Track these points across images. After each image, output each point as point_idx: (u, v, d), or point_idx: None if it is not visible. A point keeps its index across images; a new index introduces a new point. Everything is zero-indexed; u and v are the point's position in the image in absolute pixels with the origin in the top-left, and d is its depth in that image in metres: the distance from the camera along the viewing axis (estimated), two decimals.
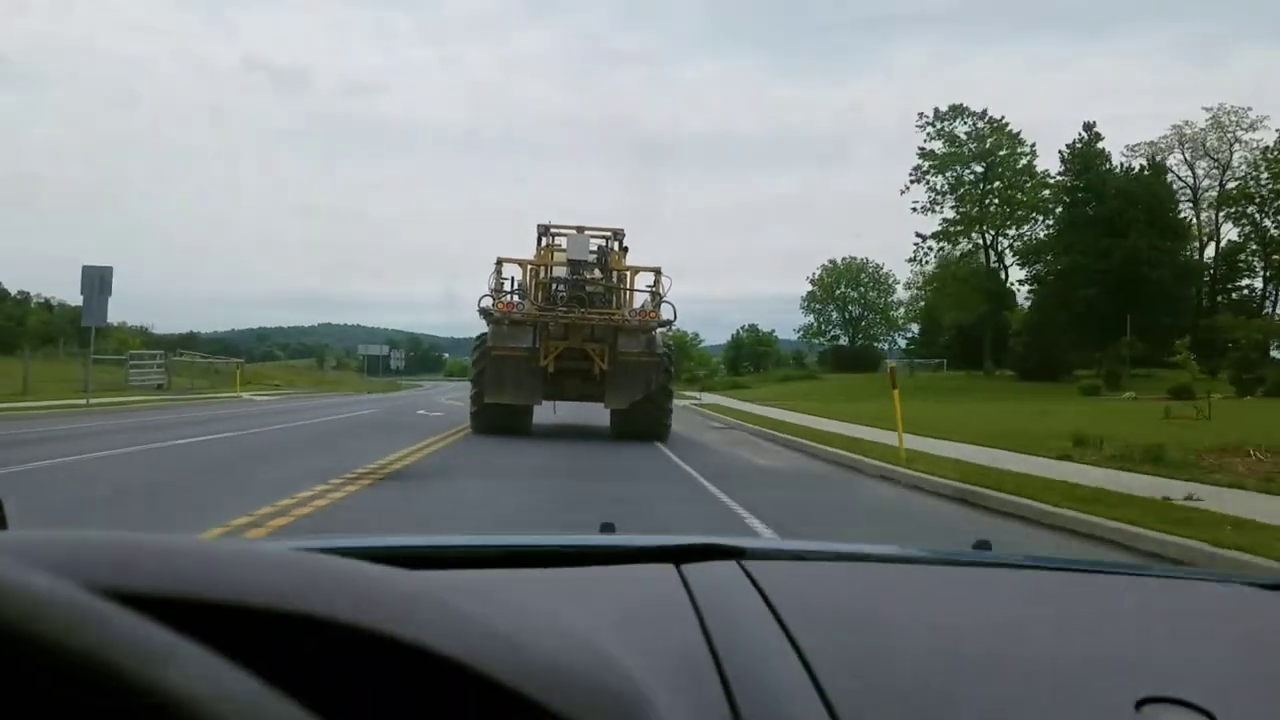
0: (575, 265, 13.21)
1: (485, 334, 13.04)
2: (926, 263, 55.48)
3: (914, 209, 53.64)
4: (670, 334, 49.12)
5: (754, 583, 0.79)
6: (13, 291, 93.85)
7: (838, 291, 67.67)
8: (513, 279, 13.50)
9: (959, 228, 53.55)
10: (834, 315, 69.56)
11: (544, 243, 13.73)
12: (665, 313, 13.12)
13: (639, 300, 13.50)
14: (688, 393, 33.75)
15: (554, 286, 13.17)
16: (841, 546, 1.12)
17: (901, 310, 66.98)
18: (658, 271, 13.33)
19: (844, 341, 68.29)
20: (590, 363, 13.09)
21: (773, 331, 75.08)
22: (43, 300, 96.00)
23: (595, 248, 13.48)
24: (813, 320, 69.44)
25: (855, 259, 67.92)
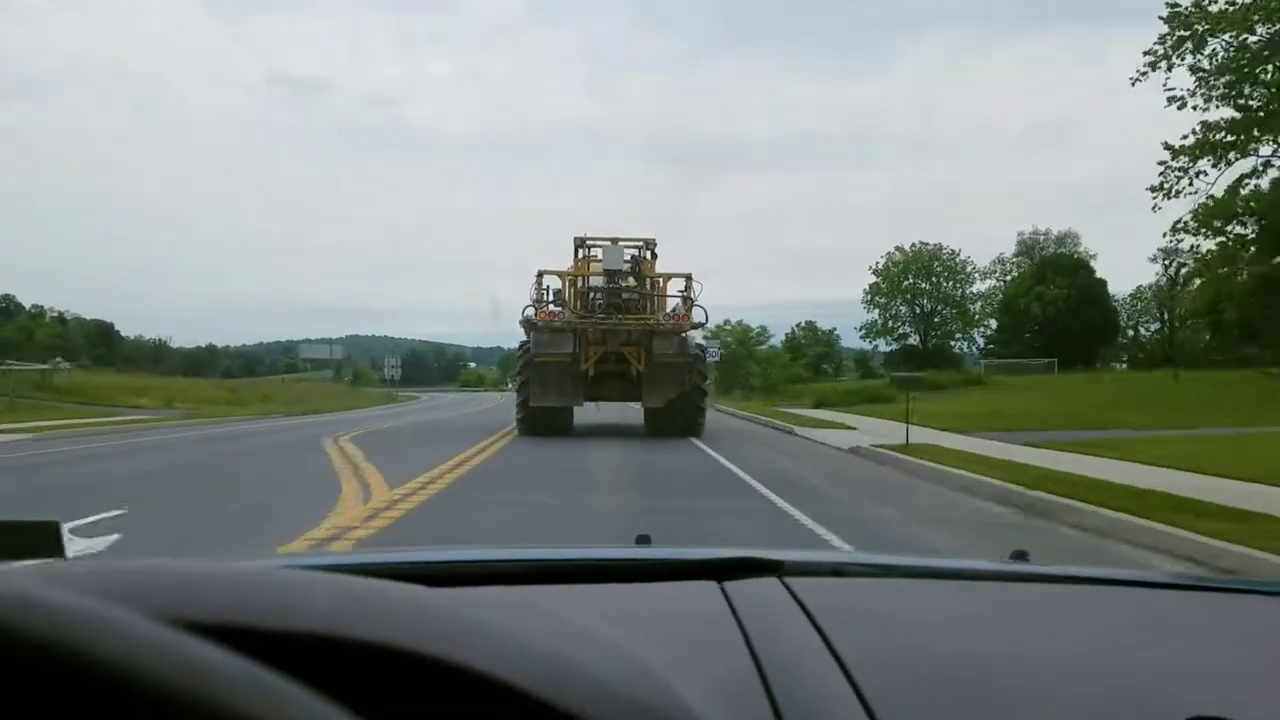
0: (611, 274, 16.27)
1: (528, 342, 16.17)
2: (1187, 192, 26.12)
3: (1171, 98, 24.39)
4: (732, 327, 44.03)
5: (797, 600, 0.88)
6: (27, 305, 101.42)
7: (905, 282, 65.11)
8: (550, 289, 16.61)
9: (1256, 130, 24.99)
10: (901, 310, 66.10)
11: (580, 254, 16.81)
12: (697, 316, 16.15)
13: (670, 304, 16.51)
14: (753, 412, 25.78)
15: (592, 295, 16.25)
16: (880, 559, 1.24)
17: (979, 304, 63.73)
18: (688, 277, 16.34)
19: (913, 340, 65.58)
20: (627, 365, 16.11)
21: (834, 331, 69.25)
22: (56, 314, 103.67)
23: (629, 257, 16.55)
24: (877, 317, 66.18)
25: (926, 244, 64.70)
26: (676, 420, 16.15)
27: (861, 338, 67.30)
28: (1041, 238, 68.00)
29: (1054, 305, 55.97)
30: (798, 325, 71.12)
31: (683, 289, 16.37)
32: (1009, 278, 63.57)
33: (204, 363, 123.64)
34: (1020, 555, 1.31)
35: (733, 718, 0.60)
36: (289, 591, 0.47)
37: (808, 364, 64.83)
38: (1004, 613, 0.96)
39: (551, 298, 16.50)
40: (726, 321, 46.84)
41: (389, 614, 0.47)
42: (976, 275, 63.79)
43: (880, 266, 65.27)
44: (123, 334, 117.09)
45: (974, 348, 65.06)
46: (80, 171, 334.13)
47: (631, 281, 16.47)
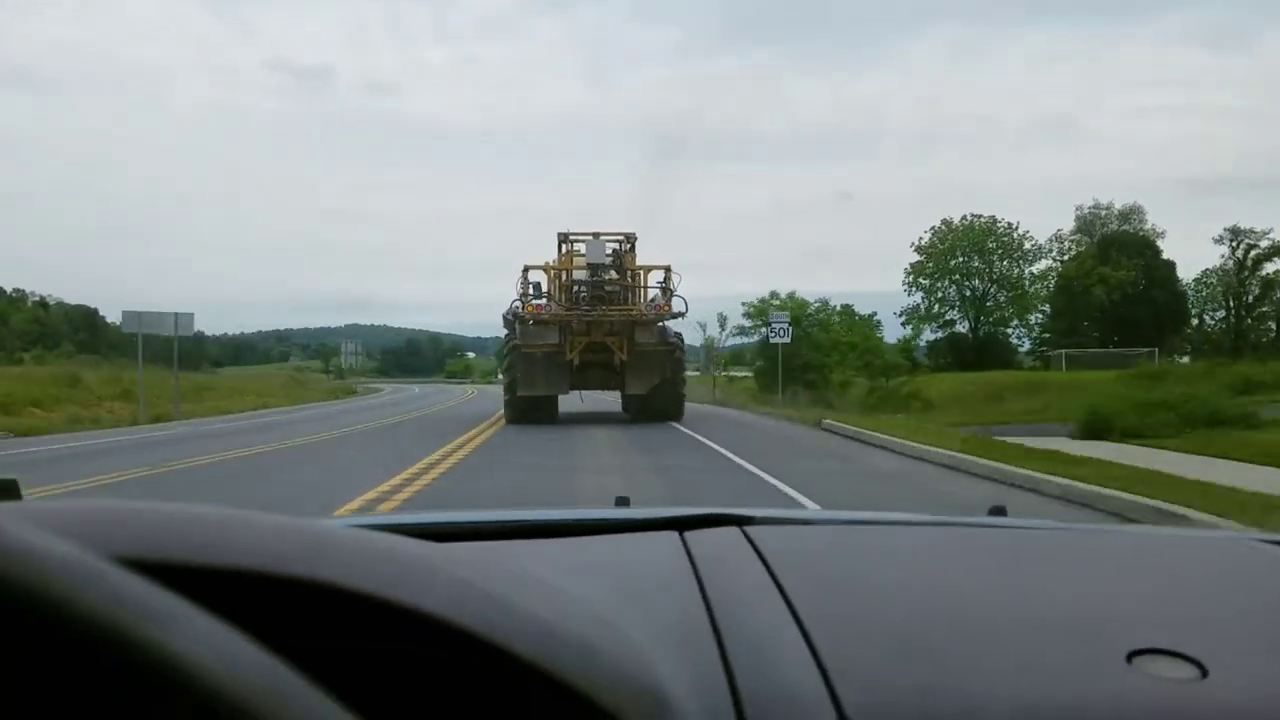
0: (593, 268, 19.10)
1: (514, 334, 19.07)
2: None
3: None
4: (782, 301, 38.58)
5: (755, 548, 0.96)
6: (8, 290, 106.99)
7: (954, 261, 61.23)
8: (538, 285, 19.47)
9: None
10: (951, 293, 62.24)
11: (564, 249, 19.66)
12: (676, 305, 18.96)
13: (651, 295, 19.30)
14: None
15: (575, 288, 19.09)
16: (850, 514, 1.34)
17: (1036, 286, 59.80)
18: (668, 269, 19.13)
19: (962, 329, 61.95)
20: (610, 354, 18.94)
21: (874, 315, 63.96)
22: (39, 298, 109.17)
23: (611, 250, 19.36)
24: (920, 301, 62.19)
25: (979, 217, 59.95)
26: (658, 406, 18.95)
27: (903, 324, 62.10)
28: (1103, 213, 66.18)
29: (1120, 289, 54.52)
30: (834, 310, 67.90)
31: (662, 280, 19.17)
32: (1066, 257, 61.41)
33: (192, 351, 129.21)
34: (998, 510, 1.44)
35: (679, 659, 0.67)
36: (233, 531, 0.53)
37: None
38: (960, 556, 1.05)
39: (536, 291, 19.39)
40: (774, 295, 39.36)
41: (323, 552, 0.53)
42: (1034, 254, 60.64)
43: (925, 243, 61.17)
44: (108, 320, 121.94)
45: (1032, 336, 61.83)
46: (73, 158, 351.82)
47: (613, 274, 19.28)
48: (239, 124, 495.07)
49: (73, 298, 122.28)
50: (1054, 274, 59.85)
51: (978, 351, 56.83)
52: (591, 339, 18.90)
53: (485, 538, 1.07)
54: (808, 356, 34.01)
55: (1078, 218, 66.17)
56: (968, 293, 62.93)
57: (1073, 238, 64.55)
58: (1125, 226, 64.67)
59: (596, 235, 19.45)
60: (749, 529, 1.06)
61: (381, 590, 0.51)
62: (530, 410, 18.65)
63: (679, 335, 19.93)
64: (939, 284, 62.99)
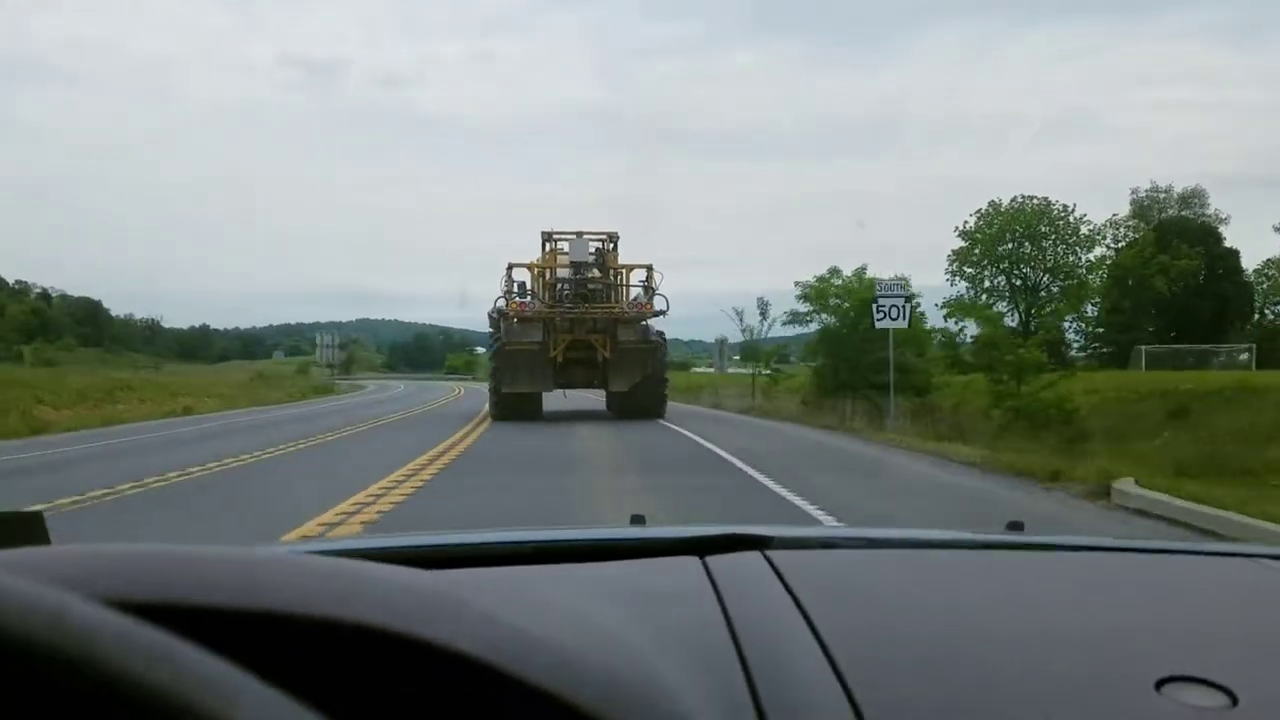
0: (577, 266, 20.62)
1: (499, 332, 20.66)
2: None
3: None
4: (846, 282, 28.47)
5: (778, 573, 1.00)
6: (10, 281, 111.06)
7: (1004, 246, 57.12)
8: (522, 284, 21.02)
9: None
10: (1000, 282, 57.72)
11: (548, 247, 21.18)
12: (658, 304, 20.44)
13: (633, 294, 20.79)
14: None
15: (559, 286, 20.61)
16: (871, 533, 1.41)
17: (1093, 276, 55.28)
18: (649, 268, 20.61)
19: (1011, 321, 54.54)
20: (594, 352, 20.44)
21: (915, 303, 55.83)
22: (40, 291, 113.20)
23: (594, 249, 20.87)
24: (964, 290, 56.69)
25: (1031, 199, 55.74)
26: (640, 403, 20.44)
27: (945, 317, 55.97)
28: (1161, 197, 64.73)
29: (1182, 279, 52.62)
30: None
31: (644, 279, 20.66)
32: (1121, 244, 58.85)
33: (197, 344, 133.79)
34: (1016, 526, 1.51)
35: (705, 688, 0.69)
36: (252, 571, 0.55)
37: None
38: (986, 579, 1.10)
39: (520, 290, 20.95)
40: (834, 272, 30.36)
41: (353, 591, 0.55)
42: (1090, 240, 56.46)
43: (969, 227, 56.81)
44: (112, 313, 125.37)
45: (1089, 330, 58.63)
46: (85, 151, 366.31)
47: (596, 273, 20.81)
48: (251, 117, 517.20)
49: (79, 291, 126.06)
50: (1107, 263, 57.25)
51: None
52: (575, 336, 20.40)
53: (497, 561, 1.12)
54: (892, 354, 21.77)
55: (1133, 202, 64.35)
56: (1018, 282, 59.00)
57: (1129, 223, 62.28)
58: (1185, 212, 63.42)
59: (580, 234, 20.98)
60: (770, 553, 1.09)
61: (413, 629, 0.53)
62: (515, 407, 20.15)
63: (660, 334, 21.38)
64: (985, 272, 58.89)
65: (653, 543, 1.25)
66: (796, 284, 30.79)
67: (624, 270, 21.01)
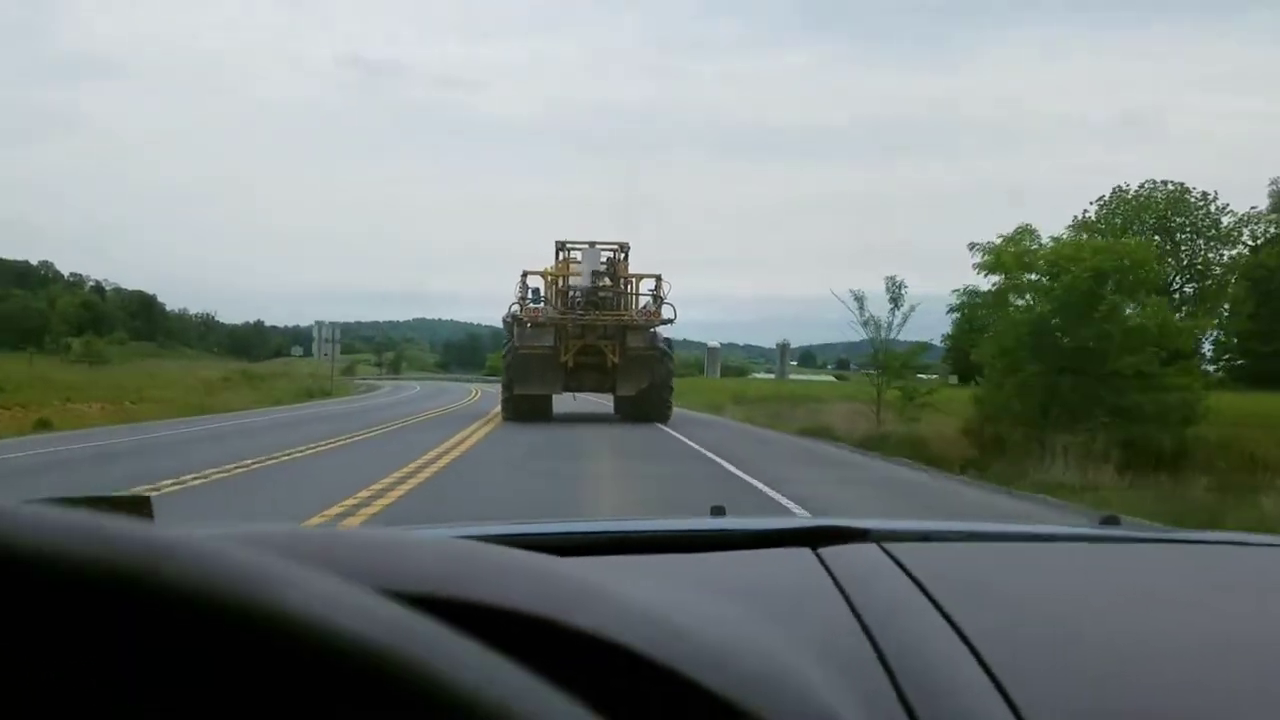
0: (589, 275, 21.69)
1: (512, 336, 21.76)
2: None
3: None
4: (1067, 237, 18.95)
5: (901, 565, 0.97)
6: (65, 273, 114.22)
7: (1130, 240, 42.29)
8: (536, 290, 22.11)
9: None
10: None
11: (561, 256, 22.31)
12: (666, 313, 21.42)
13: (642, 302, 21.80)
14: None
15: (571, 293, 21.69)
16: (973, 526, 1.38)
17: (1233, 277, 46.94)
18: (658, 278, 21.65)
19: None
20: (603, 357, 21.47)
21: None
22: (94, 283, 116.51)
23: (605, 259, 21.94)
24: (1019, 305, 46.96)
25: (1165, 184, 47.03)
26: (646, 407, 21.42)
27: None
28: None
29: None
30: (965, 292, 45.42)
31: (653, 288, 21.73)
32: (1259, 242, 49.26)
33: (251, 340, 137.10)
34: (1111, 520, 1.49)
35: (846, 687, 0.66)
36: (398, 553, 0.57)
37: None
38: (1121, 575, 1.08)
39: (534, 296, 22.04)
40: (1026, 230, 20.25)
41: (503, 574, 0.56)
42: (1230, 236, 47.68)
43: (1090, 216, 46.66)
44: (167, 307, 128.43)
45: (1226, 339, 49.03)
46: (147, 148, 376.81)
47: (607, 281, 21.89)
48: (311, 116, 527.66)
49: (135, 285, 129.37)
50: (1241, 262, 47.15)
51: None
52: (585, 342, 21.46)
53: (586, 551, 1.08)
54: (1122, 361, 15.60)
55: (1271, 194, 52.65)
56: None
57: (1269, 217, 50.65)
58: None
59: (592, 244, 22.12)
60: (888, 545, 1.06)
61: (563, 616, 0.52)
62: (526, 409, 21.22)
63: (668, 341, 22.38)
64: None
65: (748, 534, 1.22)
66: (972, 247, 18.84)
67: (634, 279, 22.09)
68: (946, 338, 28.84)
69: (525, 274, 21.98)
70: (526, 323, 21.51)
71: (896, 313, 20.70)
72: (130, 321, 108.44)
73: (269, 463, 12.31)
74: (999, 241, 18.66)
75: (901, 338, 21.30)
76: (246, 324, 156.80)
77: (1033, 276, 17.54)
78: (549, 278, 22.13)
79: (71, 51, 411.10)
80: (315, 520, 8.53)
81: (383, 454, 13.87)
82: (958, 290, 19.65)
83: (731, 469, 12.58)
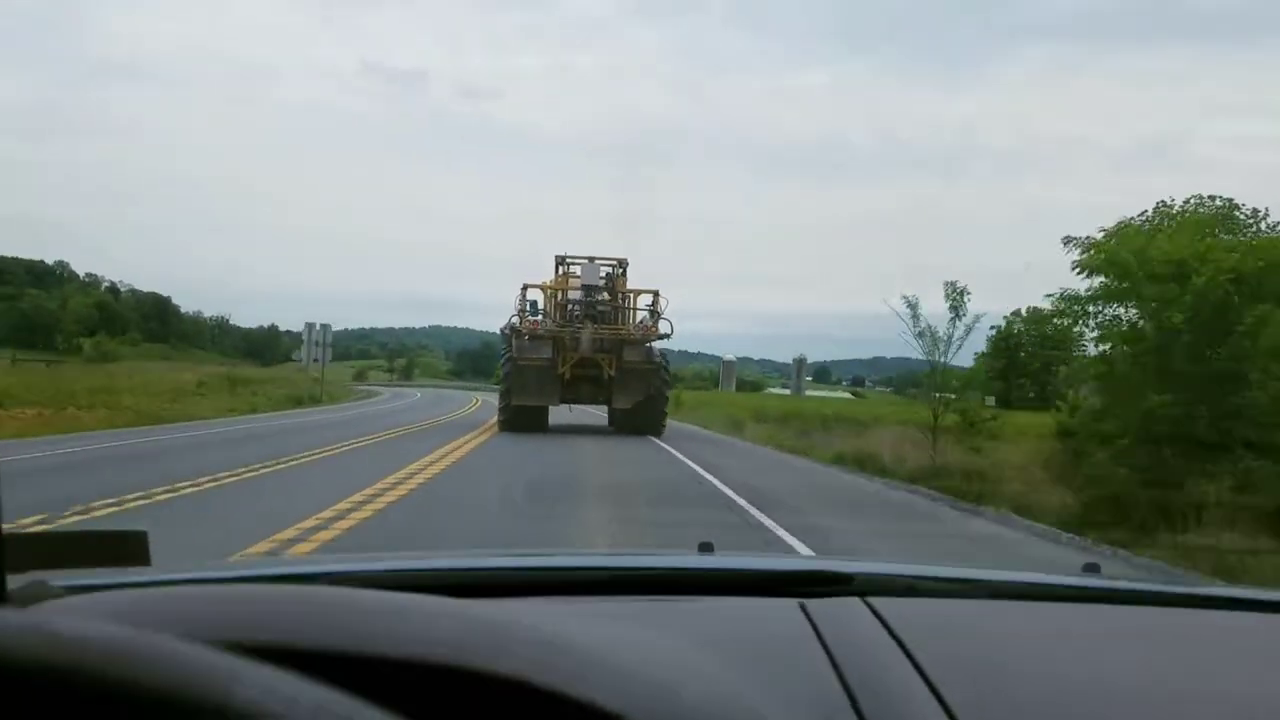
0: (587, 289, 22.11)
1: (510, 348, 22.20)
2: None
3: None
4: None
5: (884, 623, 1.00)
6: (81, 273, 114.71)
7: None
8: (534, 303, 22.54)
9: None
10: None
11: (560, 270, 22.77)
12: (663, 328, 21.83)
13: (639, 317, 22.22)
14: None
15: (570, 307, 22.12)
16: (961, 572, 1.45)
17: None
18: (655, 293, 22.06)
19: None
20: (600, 370, 21.85)
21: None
22: (109, 284, 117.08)
23: (604, 274, 22.37)
24: (1123, 315, 32.16)
25: (1212, 199, 32.77)
26: (641, 420, 21.83)
27: (1095, 344, 40.19)
28: None
29: None
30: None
31: (650, 304, 22.14)
32: None
33: (264, 343, 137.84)
34: (1092, 568, 1.53)
35: None
36: (398, 617, 0.58)
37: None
38: (1092, 637, 1.10)
39: (531, 308, 22.47)
40: (1166, 204, 19.57)
41: (507, 642, 0.56)
42: None
43: (1110, 241, 31.92)
44: (182, 310, 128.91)
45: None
46: (169, 153, 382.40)
47: (605, 296, 22.34)
48: (332, 123, 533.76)
49: (150, 287, 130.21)
50: None
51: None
52: (582, 354, 21.84)
53: (573, 588, 1.11)
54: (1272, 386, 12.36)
55: None
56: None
57: None
58: None
59: (591, 259, 22.58)
60: (873, 600, 1.08)
61: (563, 685, 0.53)
62: (523, 419, 21.64)
63: (664, 355, 22.80)
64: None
65: (734, 575, 1.24)
66: (1068, 241, 15.10)
67: (631, 295, 22.53)
68: (981, 355, 24.91)
69: (525, 287, 22.45)
70: (525, 335, 21.94)
71: (958, 324, 17.19)
72: (144, 323, 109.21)
73: (139, 503, 8.91)
74: (1101, 236, 15.10)
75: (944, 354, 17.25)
76: (260, 327, 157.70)
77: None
78: (548, 291, 22.56)
79: (99, 54, 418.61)
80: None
81: (334, 479, 11.47)
82: (1052, 295, 15.54)
83: (761, 518, 9.71)
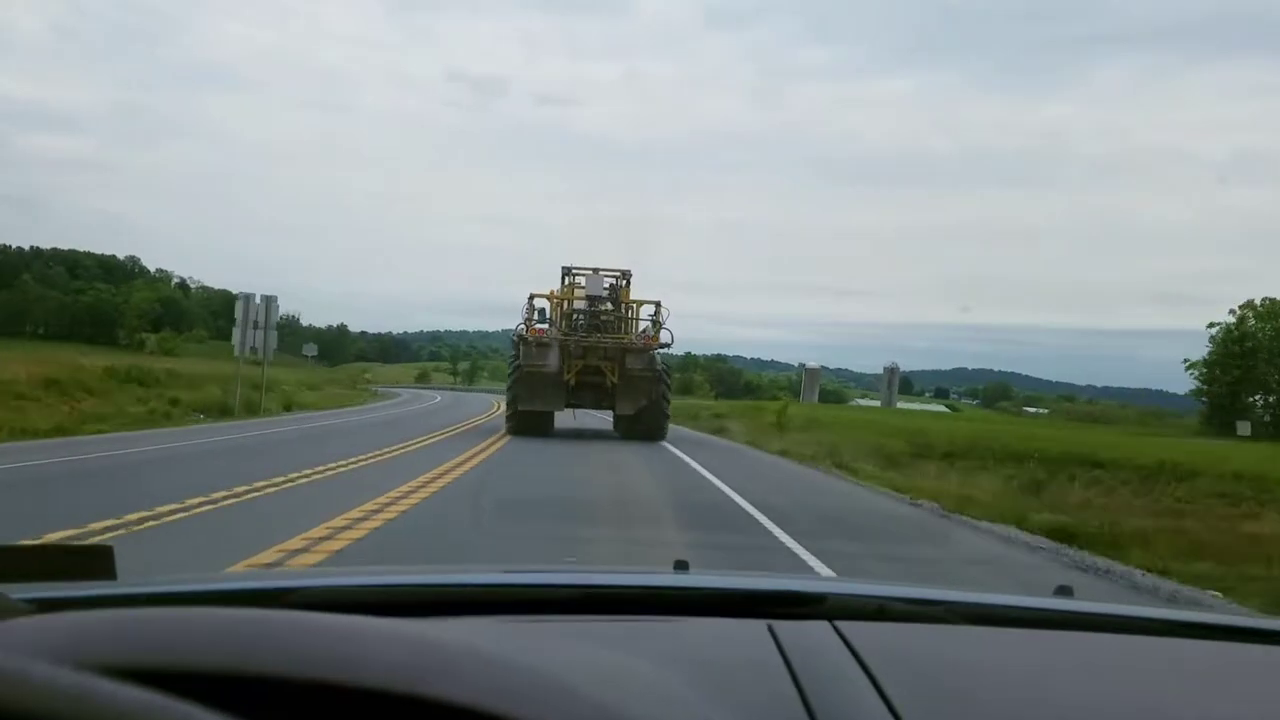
0: (592, 299, 23.07)
1: (518, 354, 23.21)
2: None
3: None
4: None
5: (851, 649, 1.01)
6: (152, 269, 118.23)
7: None
8: (541, 311, 23.54)
9: None
10: None
11: (566, 281, 23.76)
12: (664, 337, 22.70)
13: (642, 326, 23.10)
14: None
15: (575, 316, 23.08)
16: (930, 593, 1.45)
17: None
18: (658, 304, 22.96)
19: None
20: (603, 377, 22.79)
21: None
22: (179, 280, 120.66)
23: (608, 285, 23.31)
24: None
25: None
26: (643, 425, 22.72)
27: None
28: None
29: None
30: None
31: (652, 314, 23.04)
32: None
33: (333, 344, 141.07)
34: (1064, 590, 1.54)
35: None
36: (342, 640, 0.56)
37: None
38: (1061, 665, 1.10)
39: (538, 317, 23.48)
40: None
41: (453, 667, 0.55)
42: None
43: None
44: None
45: None
46: (254, 153, 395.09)
47: (609, 306, 23.31)
48: (411, 129, 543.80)
49: (221, 285, 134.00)
50: None
51: None
52: (586, 362, 22.82)
53: (544, 606, 1.12)
54: None
55: None
56: None
57: None
58: None
59: (596, 270, 23.56)
60: (841, 624, 1.10)
61: (508, 710, 0.52)
62: (530, 423, 22.66)
63: (665, 363, 23.68)
64: None
65: (706, 594, 1.25)
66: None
67: (635, 305, 23.46)
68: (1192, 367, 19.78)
69: (532, 296, 23.44)
70: (532, 342, 22.95)
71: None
72: (212, 320, 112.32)
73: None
74: None
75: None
76: (330, 327, 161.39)
77: None
78: (554, 300, 23.55)
79: (192, 60, 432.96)
80: None
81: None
82: None
83: None
